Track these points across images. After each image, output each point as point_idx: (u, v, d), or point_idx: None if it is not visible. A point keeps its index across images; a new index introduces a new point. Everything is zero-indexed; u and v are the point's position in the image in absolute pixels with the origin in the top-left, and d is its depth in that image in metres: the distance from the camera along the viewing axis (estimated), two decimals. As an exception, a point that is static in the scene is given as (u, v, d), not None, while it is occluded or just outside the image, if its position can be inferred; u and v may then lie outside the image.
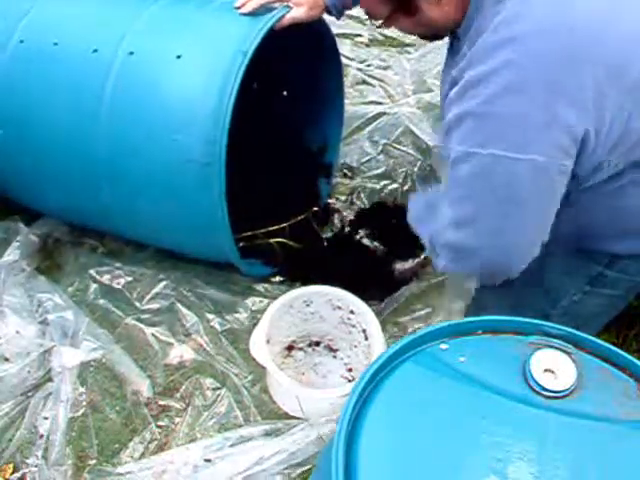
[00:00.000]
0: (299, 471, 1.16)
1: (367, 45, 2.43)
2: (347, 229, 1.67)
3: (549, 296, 1.16)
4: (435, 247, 1.02)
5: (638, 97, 0.87)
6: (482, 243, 0.93)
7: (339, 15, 1.32)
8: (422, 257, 1.55)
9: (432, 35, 1.07)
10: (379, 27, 1.07)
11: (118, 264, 1.55)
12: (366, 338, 1.32)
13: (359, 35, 2.46)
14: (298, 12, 1.26)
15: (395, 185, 1.81)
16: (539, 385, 0.71)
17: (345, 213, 1.72)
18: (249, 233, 1.50)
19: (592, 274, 1.10)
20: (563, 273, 1.13)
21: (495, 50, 0.84)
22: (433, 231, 1.02)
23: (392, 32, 2.47)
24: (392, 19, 0.99)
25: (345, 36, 2.40)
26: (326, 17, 1.37)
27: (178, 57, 1.20)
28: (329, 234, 1.66)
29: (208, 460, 1.18)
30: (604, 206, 0.99)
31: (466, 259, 0.96)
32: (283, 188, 1.66)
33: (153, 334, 1.42)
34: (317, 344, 1.44)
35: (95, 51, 1.25)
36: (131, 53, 1.23)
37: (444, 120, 0.94)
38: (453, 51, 1.03)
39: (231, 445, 1.20)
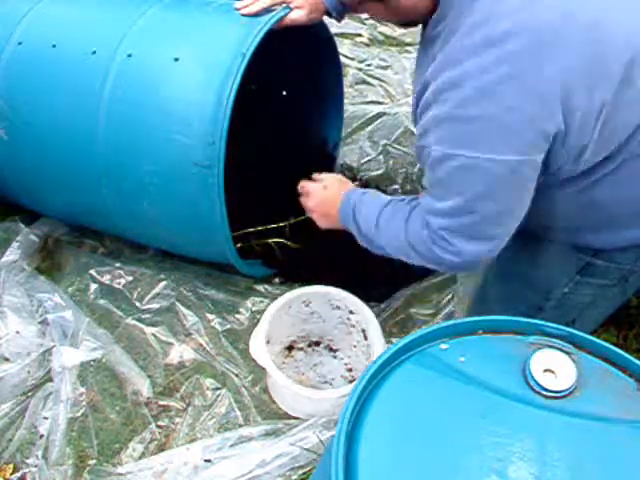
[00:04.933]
0: (300, 472, 1.16)
1: (367, 45, 2.43)
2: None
3: (541, 288, 1.17)
4: (414, 243, 1.04)
5: (616, 91, 0.87)
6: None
7: (340, 18, 1.32)
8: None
9: (405, 22, 1.07)
10: (337, 19, 1.07)
11: (118, 264, 1.55)
12: (366, 338, 1.32)
13: (359, 35, 2.46)
14: (298, 14, 1.26)
15: (395, 186, 1.81)
16: (539, 385, 0.71)
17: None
18: (250, 230, 1.49)
19: (581, 264, 1.11)
20: (553, 263, 1.14)
21: (468, 54, 0.86)
22: (405, 230, 1.05)
23: (392, 32, 2.47)
24: (363, 5, 1.00)
25: (345, 36, 2.41)
26: (326, 18, 1.37)
27: (176, 59, 1.20)
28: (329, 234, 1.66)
29: (208, 460, 1.18)
30: (576, 200, 1.01)
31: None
32: (283, 188, 1.66)
33: (153, 334, 1.42)
34: (317, 344, 1.44)
35: (94, 53, 1.26)
36: (129, 55, 1.23)
37: (420, 121, 0.96)
38: (425, 50, 1.03)
39: (231, 445, 1.20)
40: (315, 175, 1.33)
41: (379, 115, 2.04)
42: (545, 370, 0.72)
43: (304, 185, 1.31)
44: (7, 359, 1.33)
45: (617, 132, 0.92)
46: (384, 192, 1.77)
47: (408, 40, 2.39)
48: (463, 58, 0.86)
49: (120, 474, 1.18)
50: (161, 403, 1.31)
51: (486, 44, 0.84)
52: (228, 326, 1.45)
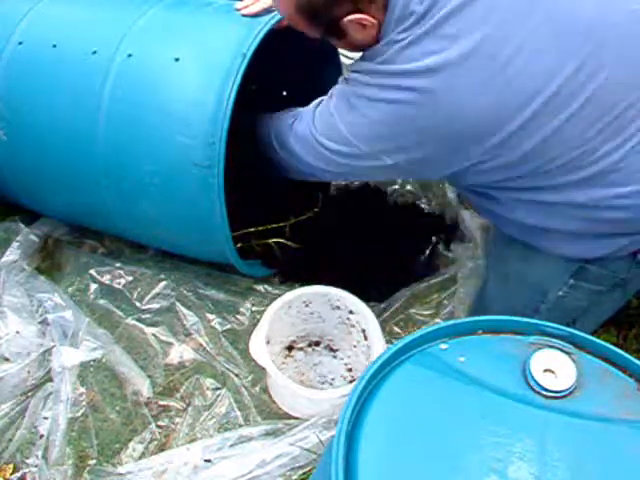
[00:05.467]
0: (300, 472, 1.16)
1: (367, 45, 2.42)
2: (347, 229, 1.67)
3: (537, 290, 1.17)
4: (280, 141, 1.22)
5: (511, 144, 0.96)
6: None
7: None
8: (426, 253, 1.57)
9: (355, 47, 1.16)
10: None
11: (118, 264, 1.55)
12: (366, 338, 1.32)
13: (359, 35, 2.46)
14: None
15: (395, 186, 1.81)
16: (539, 385, 0.72)
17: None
18: (250, 229, 1.49)
19: (574, 267, 1.12)
20: (548, 266, 1.14)
21: (378, 76, 1.01)
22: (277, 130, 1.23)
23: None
24: (325, 39, 1.11)
25: (345, 36, 2.40)
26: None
27: (177, 59, 1.20)
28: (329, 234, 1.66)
29: (208, 460, 1.18)
30: (525, 208, 1.07)
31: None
32: (283, 188, 1.66)
33: (153, 334, 1.42)
34: (317, 344, 1.44)
35: (94, 53, 1.25)
36: (130, 55, 1.23)
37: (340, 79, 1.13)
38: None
39: (231, 445, 1.20)
40: None
41: (379, 115, 2.04)
42: (545, 370, 0.73)
43: None
44: (7, 359, 1.33)
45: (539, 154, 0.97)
46: (384, 192, 1.79)
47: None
48: (371, 73, 1.02)
49: (120, 474, 1.18)
50: (161, 403, 1.31)
51: (388, 73, 0.99)
52: (228, 326, 1.45)
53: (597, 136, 0.94)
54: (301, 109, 1.23)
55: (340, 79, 1.13)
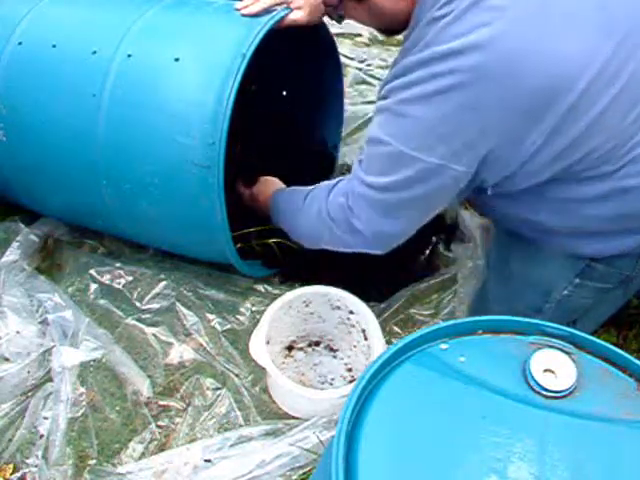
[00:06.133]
0: (300, 472, 1.16)
1: (367, 44, 2.43)
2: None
3: (540, 289, 1.17)
4: (335, 216, 1.12)
5: (571, 119, 0.90)
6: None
7: (340, 20, 1.32)
8: (426, 253, 1.57)
9: (386, 29, 1.11)
10: (337, 21, 1.15)
11: (118, 264, 1.55)
12: (366, 338, 1.32)
13: (359, 35, 2.46)
14: (298, 15, 1.26)
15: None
16: (539, 385, 0.71)
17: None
18: (250, 230, 1.49)
19: (580, 266, 1.11)
20: (553, 266, 1.14)
21: (422, 65, 0.92)
22: (321, 205, 1.14)
23: (392, 32, 2.47)
24: (344, 6, 1.04)
25: (345, 36, 2.41)
26: (326, 18, 1.37)
27: (177, 59, 1.19)
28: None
29: (208, 460, 1.18)
30: (559, 208, 1.05)
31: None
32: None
33: (153, 334, 1.42)
34: (317, 344, 1.44)
35: (94, 53, 1.25)
36: (130, 55, 1.23)
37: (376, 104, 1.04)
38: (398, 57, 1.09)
39: (231, 445, 1.20)
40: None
41: (379, 115, 2.04)
42: (545, 370, 0.72)
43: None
44: (7, 359, 1.33)
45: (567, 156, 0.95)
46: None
47: (408, 40, 2.39)
48: (415, 67, 0.93)
49: (120, 474, 1.18)
50: (161, 403, 1.31)
51: (435, 58, 0.90)
52: (228, 326, 1.45)
53: (632, 125, 0.93)
54: (324, 189, 1.17)
55: (374, 108, 1.04)
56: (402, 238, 1.12)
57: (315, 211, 1.16)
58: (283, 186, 1.41)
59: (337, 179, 1.18)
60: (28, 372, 1.32)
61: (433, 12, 0.92)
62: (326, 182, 1.20)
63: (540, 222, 1.08)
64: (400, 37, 1.11)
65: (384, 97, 0.99)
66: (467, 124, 0.91)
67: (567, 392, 0.71)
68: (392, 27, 1.07)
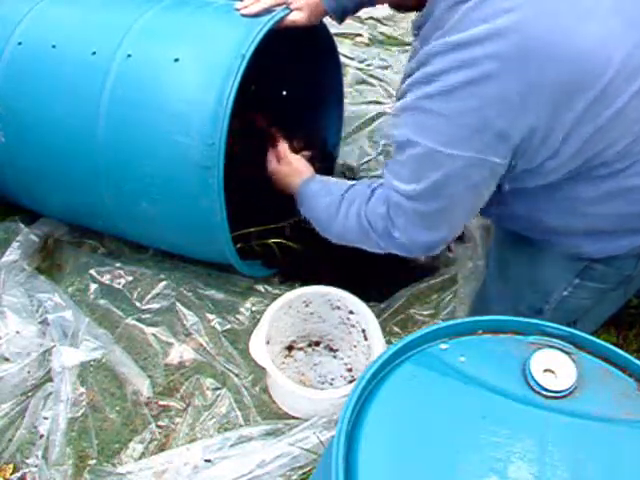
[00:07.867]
0: (300, 472, 1.16)
1: (367, 44, 2.42)
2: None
3: (541, 290, 1.17)
4: (373, 222, 1.09)
5: (590, 110, 0.88)
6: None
7: (340, 20, 1.32)
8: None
9: (399, 4, 1.08)
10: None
11: (118, 264, 1.55)
12: (366, 338, 1.32)
13: (359, 35, 2.46)
14: (298, 16, 1.26)
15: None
16: (539, 385, 0.71)
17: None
18: (250, 230, 1.50)
19: (580, 267, 1.11)
20: (553, 266, 1.14)
21: (443, 54, 0.88)
22: (365, 211, 1.10)
23: (392, 32, 2.47)
24: None
25: (345, 36, 2.40)
26: (326, 18, 1.37)
27: (176, 59, 1.19)
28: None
29: (208, 460, 1.18)
30: (563, 207, 1.03)
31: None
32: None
33: (153, 334, 1.42)
34: (317, 344, 1.44)
35: (94, 53, 1.25)
36: (129, 56, 1.23)
37: (396, 104, 0.99)
38: (415, 42, 1.04)
39: (231, 445, 1.20)
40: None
41: (379, 115, 2.04)
42: (545, 370, 0.72)
43: (281, 151, 1.38)
44: (7, 359, 1.33)
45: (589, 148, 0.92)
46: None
47: (408, 40, 2.39)
48: (436, 56, 0.88)
49: (120, 474, 1.18)
50: (161, 403, 1.31)
51: (458, 46, 0.86)
52: (228, 326, 1.45)
53: None
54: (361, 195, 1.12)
55: (394, 107, 1.00)
56: (444, 245, 1.08)
57: (354, 213, 1.12)
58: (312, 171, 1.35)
59: (373, 180, 1.14)
60: (28, 372, 1.32)
61: None
62: (365, 182, 1.16)
63: (544, 222, 1.07)
64: (401, 37, 1.10)
65: (405, 92, 0.95)
66: (496, 114, 0.86)
67: (567, 392, 0.71)
68: (406, 2, 1.04)
